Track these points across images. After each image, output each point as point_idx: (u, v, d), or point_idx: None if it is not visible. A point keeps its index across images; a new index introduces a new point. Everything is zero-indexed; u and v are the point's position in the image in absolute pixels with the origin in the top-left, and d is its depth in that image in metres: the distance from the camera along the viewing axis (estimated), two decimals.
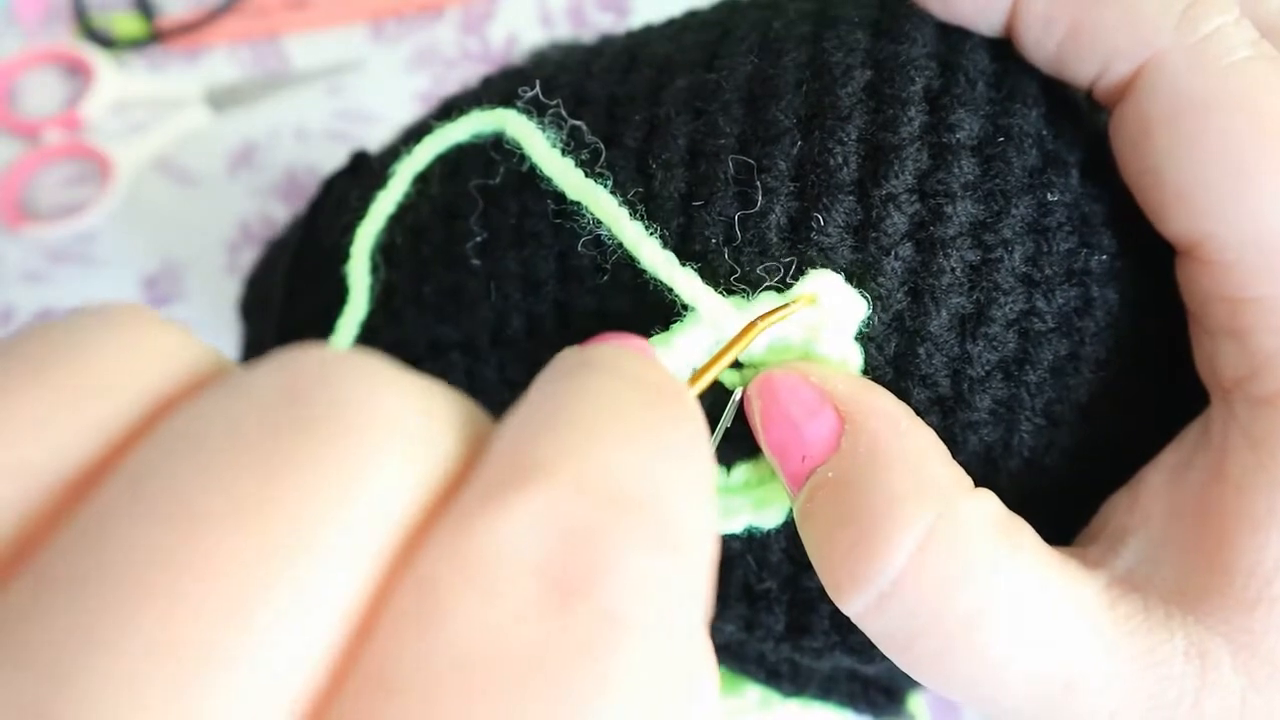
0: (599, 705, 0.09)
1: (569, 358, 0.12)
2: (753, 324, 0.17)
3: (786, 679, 0.26)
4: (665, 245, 0.19)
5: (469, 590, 0.09)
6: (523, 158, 0.20)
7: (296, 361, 0.10)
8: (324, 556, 0.09)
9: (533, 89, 0.23)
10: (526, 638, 0.09)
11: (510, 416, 0.11)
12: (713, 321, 0.18)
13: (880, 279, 0.18)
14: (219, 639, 0.09)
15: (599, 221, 0.19)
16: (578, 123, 0.20)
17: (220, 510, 0.09)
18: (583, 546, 0.09)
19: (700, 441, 0.11)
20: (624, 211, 0.18)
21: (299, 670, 0.09)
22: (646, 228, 0.18)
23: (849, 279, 0.18)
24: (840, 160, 0.18)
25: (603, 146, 0.20)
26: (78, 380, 0.10)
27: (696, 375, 0.16)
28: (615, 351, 0.12)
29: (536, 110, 0.21)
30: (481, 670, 0.09)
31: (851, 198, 0.18)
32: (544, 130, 0.20)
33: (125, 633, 0.08)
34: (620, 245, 0.19)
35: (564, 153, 0.20)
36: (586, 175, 0.19)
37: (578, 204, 0.19)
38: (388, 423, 0.10)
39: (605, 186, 0.19)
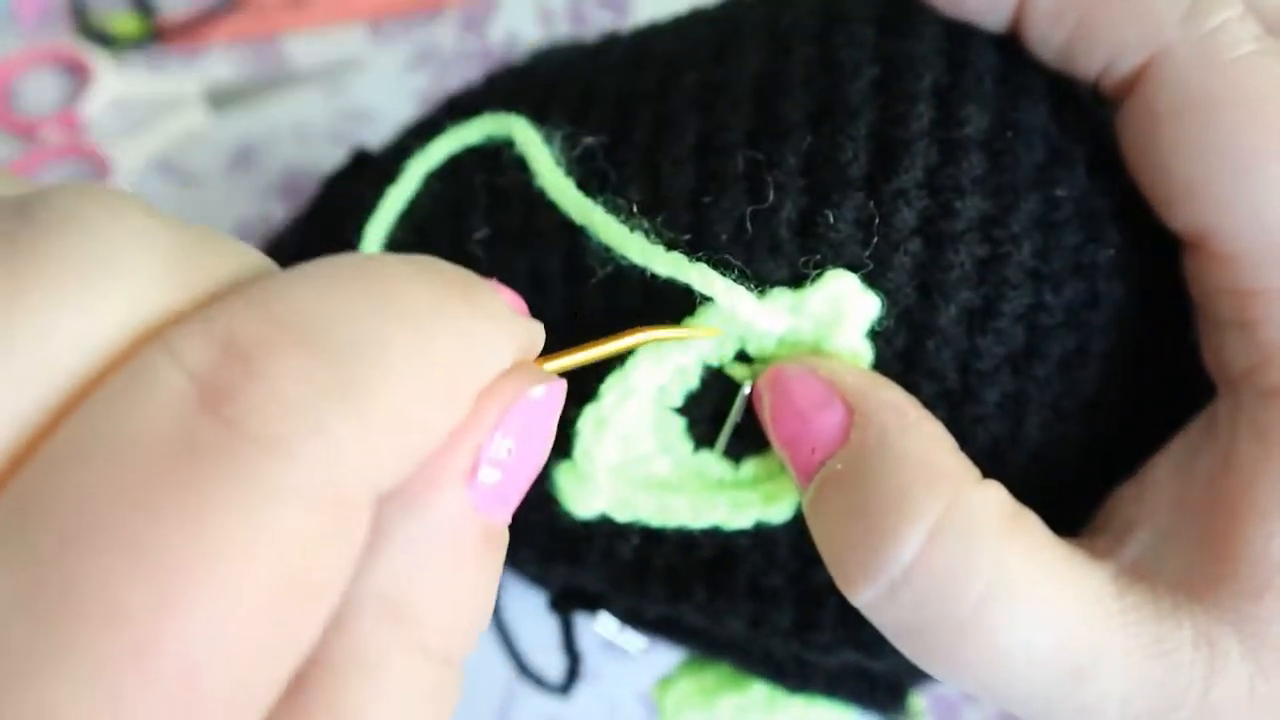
0: (201, 510, 0.10)
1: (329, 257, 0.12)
2: (635, 331, 0.18)
3: (792, 676, 0.26)
4: (675, 241, 0.19)
5: (134, 391, 0.10)
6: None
7: (45, 190, 0.11)
8: (22, 350, 0.10)
9: (540, 91, 0.23)
10: (161, 431, 0.10)
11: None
12: (732, 315, 0.18)
13: (889, 274, 0.18)
14: None
15: (605, 246, 0.19)
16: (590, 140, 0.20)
17: None
18: (245, 365, 0.10)
19: (468, 333, 0.12)
20: (624, 229, 0.18)
21: None
22: (647, 234, 0.18)
23: (860, 274, 0.18)
24: (850, 156, 0.18)
25: (610, 170, 0.20)
26: None
27: (555, 356, 0.16)
28: (371, 254, 0.13)
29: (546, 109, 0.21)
30: (106, 450, 0.10)
31: (861, 193, 0.18)
32: (549, 144, 0.20)
33: None
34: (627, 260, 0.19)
35: (569, 168, 0.20)
36: (588, 194, 0.19)
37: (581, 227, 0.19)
38: (99, 246, 0.11)
39: (603, 201, 0.19)
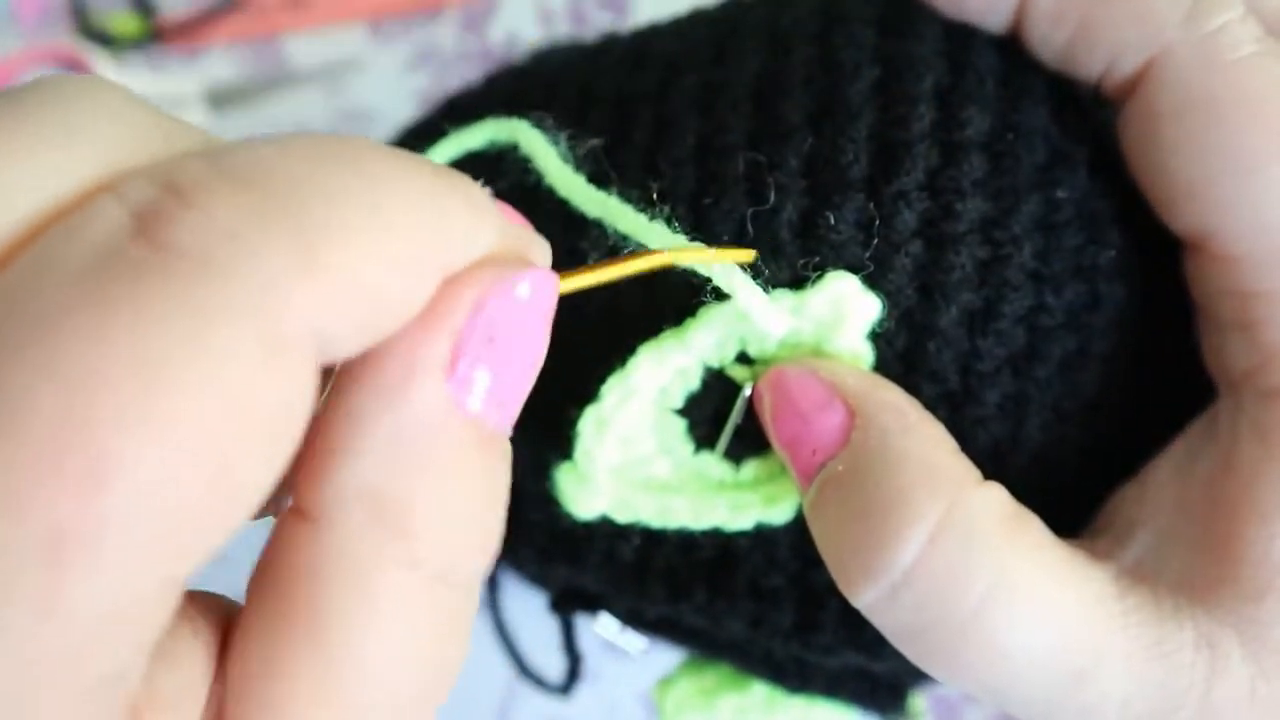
0: (126, 319, 0.10)
1: None
2: (657, 252, 0.17)
3: (792, 676, 0.26)
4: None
5: (75, 227, 0.10)
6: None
7: (46, 75, 0.12)
8: None
9: (540, 92, 0.23)
10: (94, 250, 0.10)
11: None
12: (750, 313, 0.18)
13: (890, 275, 0.18)
14: None
15: (623, 236, 0.18)
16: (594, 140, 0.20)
17: None
18: (182, 200, 0.10)
19: (433, 211, 0.12)
20: (644, 218, 0.18)
21: None
22: (668, 223, 0.18)
23: (860, 276, 0.18)
24: (851, 157, 0.18)
25: (610, 171, 0.20)
26: None
27: (569, 275, 0.15)
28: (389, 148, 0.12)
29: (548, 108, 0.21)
30: (48, 278, 0.10)
31: (862, 195, 0.18)
32: (556, 143, 0.20)
33: None
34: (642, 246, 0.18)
35: (577, 165, 0.20)
36: (599, 187, 0.19)
37: (597, 221, 0.19)
38: (64, 109, 0.11)
39: (616, 193, 0.19)
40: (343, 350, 0.11)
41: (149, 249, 0.10)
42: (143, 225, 0.10)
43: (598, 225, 0.19)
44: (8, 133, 0.11)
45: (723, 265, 0.17)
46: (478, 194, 0.13)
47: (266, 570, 0.12)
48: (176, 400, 0.10)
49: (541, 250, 0.14)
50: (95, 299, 0.10)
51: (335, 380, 0.12)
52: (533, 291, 0.13)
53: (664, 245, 0.18)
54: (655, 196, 0.19)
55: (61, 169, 0.11)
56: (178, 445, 0.10)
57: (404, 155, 0.12)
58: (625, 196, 0.19)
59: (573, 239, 0.20)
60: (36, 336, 0.09)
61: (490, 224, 0.13)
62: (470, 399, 0.12)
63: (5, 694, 0.09)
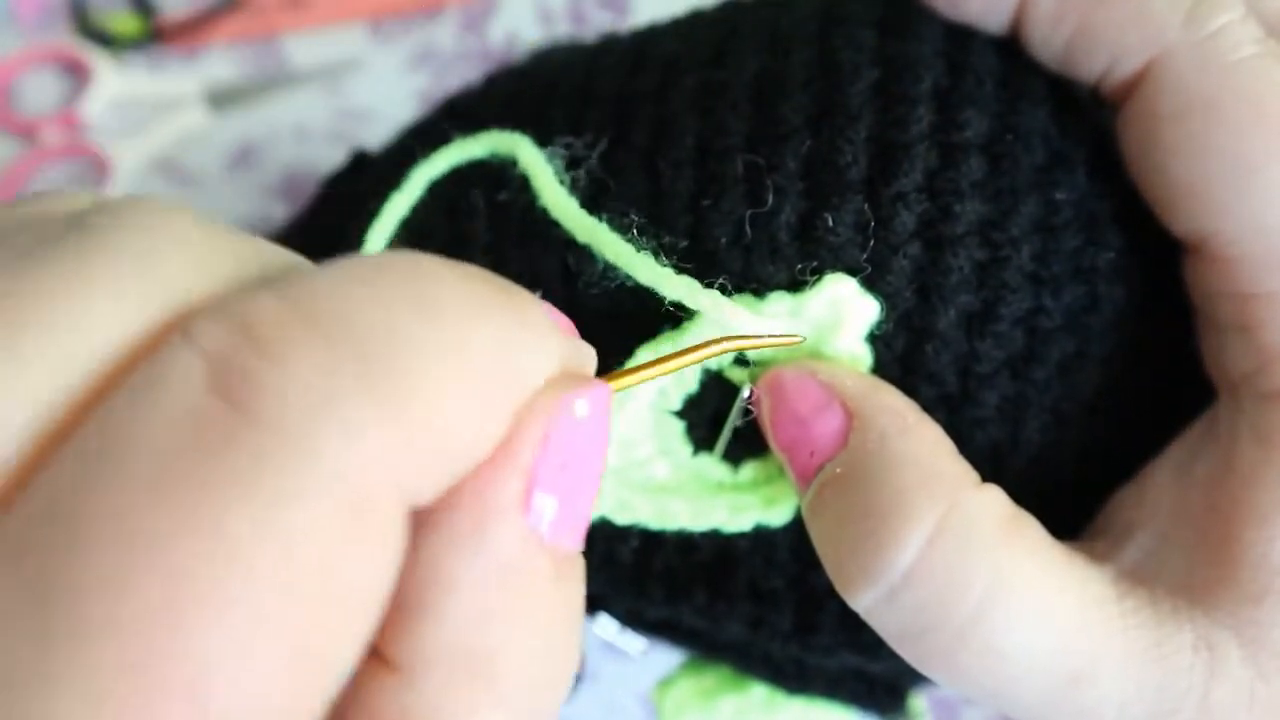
0: (222, 506, 0.09)
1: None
2: (718, 341, 0.17)
3: (792, 678, 0.26)
4: (675, 247, 0.19)
5: (150, 380, 0.10)
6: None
7: (110, 198, 0.12)
8: (34, 344, 0.10)
9: (539, 92, 0.23)
10: (178, 425, 0.09)
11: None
12: (738, 334, 0.18)
13: (889, 277, 0.18)
14: None
15: (609, 265, 0.18)
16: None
17: None
18: (261, 351, 0.10)
19: (511, 344, 0.11)
20: (631, 249, 0.18)
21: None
22: (656, 255, 0.18)
23: (859, 278, 0.18)
24: (850, 159, 0.18)
25: (608, 174, 0.20)
26: None
27: (624, 373, 0.15)
28: (418, 254, 0.12)
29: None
30: (131, 452, 0.09)
31: (860, 197, 0.18)
32: (552, 160, 0.20)
33: None
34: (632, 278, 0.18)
35: (571, 189, 0.20)
36: (591, 212, 0.19)
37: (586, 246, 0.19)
38: (136, 243, 0.11)
39: (608, 220, 0.19)
40: (423, 499, 0.11)
41: (230, 413, 0.09)
42: (220, 384, 0.10)
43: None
44: (79, 263, 0.10)
45: (712, 296, 0.18)
46: (540, 315, 0.12)
47: (347, 714, 0.11)
48: (258, 590, 0.09)
49: (590, 357, 0.14)
50: (177, 474, 0.09)
51: (413, 528, 0.12)
52: (592, 408, 0.13)
53: (652, 279, 0.18)
54: (648, 206, 0.19)
55: (134, 302, 0.10)
56: (272, 643, 0.09)
57: (474, 280, 0.12)
58: (618, 223, 0.19)
59: (574, 255, 0.20)
60: (114, 518, 0.09)
61: (554, 346, 0.12)
62: (546, 529, 0.12)
63: None
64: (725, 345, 0.17)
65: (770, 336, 0.18)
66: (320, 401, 0.10)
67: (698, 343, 0.17)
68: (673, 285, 0.17)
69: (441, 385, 0.10)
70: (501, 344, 0.11)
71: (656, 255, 0.18)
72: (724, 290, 0.18)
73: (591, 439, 0.13)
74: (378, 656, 0.11)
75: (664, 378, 0.19)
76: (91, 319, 0.10)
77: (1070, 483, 0.20)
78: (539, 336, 0.12)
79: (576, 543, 0.13)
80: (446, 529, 0.11)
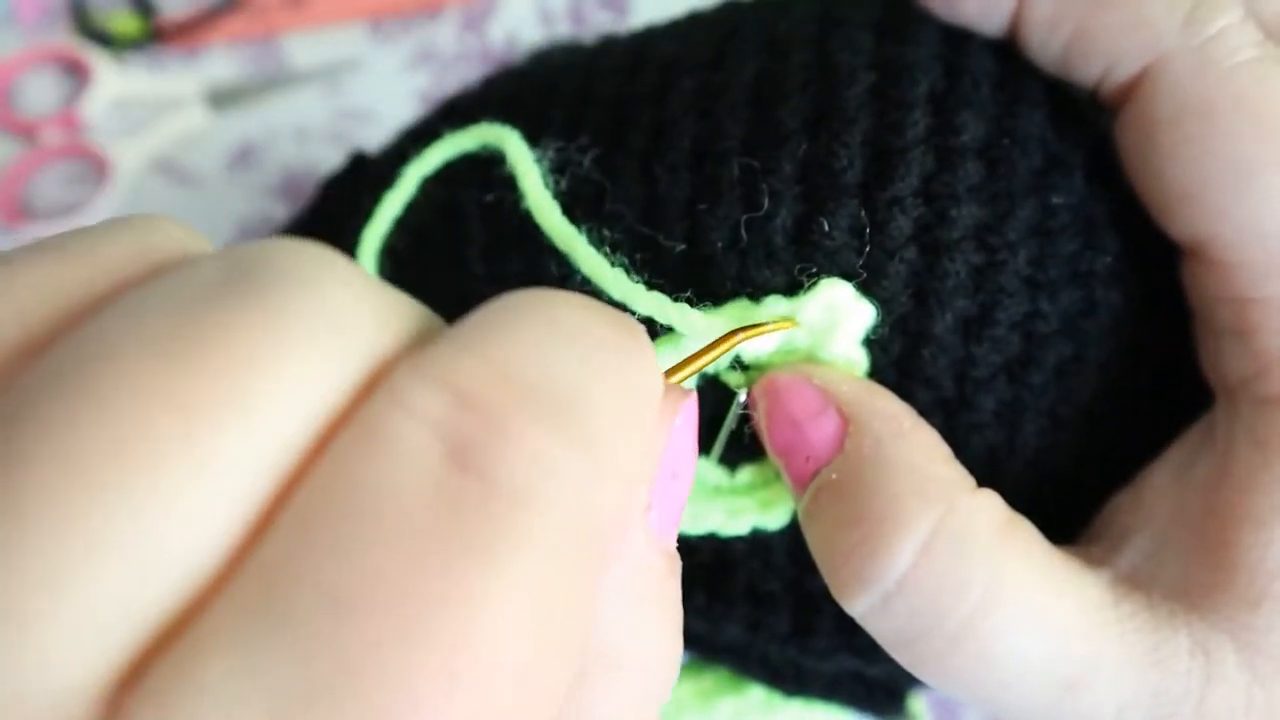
0: (474, 567, 0.09)
1: (513, 292, 0.12)
2: (730, 336, 0.17)
3: (790, 680, 0.26)
4: (672, 251, 0.19)
5: (379, 449, 0.10)
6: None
7: (242, 246, 0.11)
8: (255, 413, 0.10)
9: (537, 94, 0.23)
10: (421, 492, 0.10)
11: (454, 326, 0.12)
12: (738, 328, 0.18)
13: (885, 282, 0.18)
14: (141, 476, 0.09)
15: (586, 278, 0.19)
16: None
17: (152, 360, 0.09)
18: (486, 419, 0.10)
19: (640, 367, 0.12)
20: (605, 264, 0.18)
21: (223, 516, 0.09)
22: (627, 271, 0.18)
23: (854, 282, 0.18)
24: (845, 163, 0.18)
25: (605, 177, 0.20)
26: (62, 257, 0.11)
27: (675, 373, 0.16)
28: (557, 291, 0.12)
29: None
30: (373, 518, 0.09)
31: (856, 201, 0.18)
32: (541, 162, 0.20)
33: (29, 459, 0.09)
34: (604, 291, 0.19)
35: (556, 192, 0.20)
36: (575, 222, 0.19)
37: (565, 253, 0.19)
38: (321, 295, 0.11)
39: (588, 231, 0.19)
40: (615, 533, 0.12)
41: (472, 483, 0.10)
42: (456, 454, 0.10)
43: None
44: (267, 329, 0.10)
45: (681, 310, 0.18)
46: (646, 337, 0.13)
47: None
48: (517, 647, 0.09)
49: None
50: (438, 541, 0.09)
51: None
52: (686, 418, 0.14)
53: (623, 295, 0.18)
54: (644, 209, 0.19)
55: (336, 365, 0.10)
56: (519, 693, 0.09)
57: (603, 314, 0.12)
58: (598, 236, 0.19)
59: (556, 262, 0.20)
60: (387, 586, 0.09)
61: (659, 367, 0.13)
62: (658, 530, 0.13)
63: None
64: (741, 336, 0.17)
65: (771, 324, 0.18)
66: (548, 465, 0.10)
67: (708, 342, 0.17)
68: (643, 302, 0.18)
69: (623, 431, 0.11)
70: (645, 374, 0.12)
71: (629, 273, 0.18)
72: (720, 296, 0.18)
73: (690, 445, 0.14)
74: None
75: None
76: (301, 386, 0.10)
77: (1067, 487, 0.20)
78: (653, 358, 0.13)
79: (674, 538, 0.14)
80: None
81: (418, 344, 0.11)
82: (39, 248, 0.11)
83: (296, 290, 0.10)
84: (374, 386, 0.10)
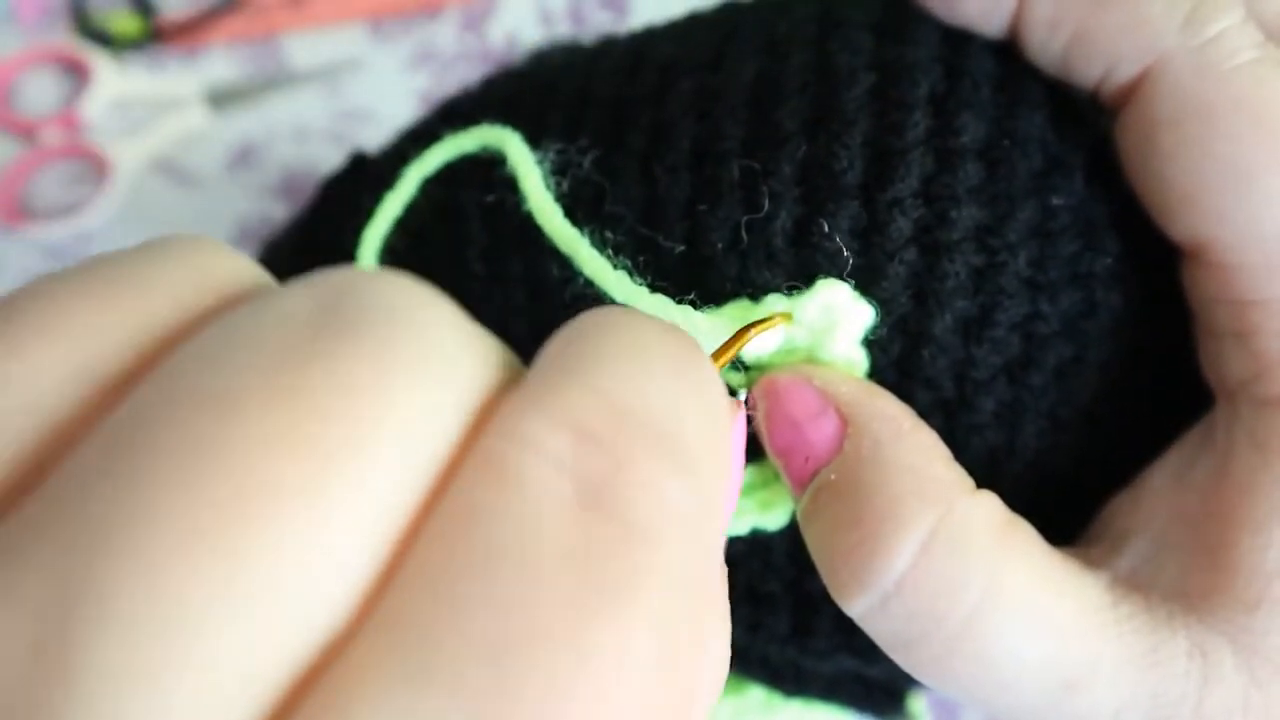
0: (619, 608, 0.09)
1: (587, 315, 0.12)
2: (741, 334, 0.17)
3: (789, 680, 0.26)
4: (672, 252, 0.19)
5: (509, 490, 0.10)
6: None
7: (332, 274, 0.11)
8: (376, 455, 0.09)
9: (536, 95, 0.23)
10: (559, 536, 0.09)
11: (540, 355, 0.11)
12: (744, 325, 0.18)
13: (884, 283, 0.18)
14: (254, 524, 0.09)
15: (588, 281, 0.19)
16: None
17: (257, 397, 0.09)
18: (610, 456, 0.10)
19: (715, 383, 0.12)
20: (608, 266, 0.18)
21: (354, 561, 0.09)
22: (630, 274, 0.18)
23: (853, 283, 0.18)
24: (845, 165, 0.18)
25: (605, 179, 0.20)
26: (123, 289, 0.10)
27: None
28: (629, 310, 0.12)
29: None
30: (518, 564, 0.09)
31: (856, 202, 0.18)
32: (542, 164, 0.20)
33: (155, 516, 0.09)
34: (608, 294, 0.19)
35: (558, 194, 0.20)
36: (587, 219, 0.19)
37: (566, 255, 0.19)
38: (425, 331, 0.10)
39: (590, 233, 0.19)
40: None
41: (604, 524, 0.10)
42: (587, 495, 0.10)
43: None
44: (388, 362, 0.10)
45: (685, 313, 0.18)
46: (705, 353, 0.13)
47: None
48: (650, 688, 0.09)
49: None
50: (581, 584, 0.09)
51: None
52: (738, 428, 0.14)
53: (626, 298, 0.18)
54: (644, 211, 0.19)
55: (451, 401, 0.10)
56: None
57: (680, 335, 0.12)
58: (600, 238, 0.19)
59: (558, 264, 0.20)
60: (543, 633, 0.09)
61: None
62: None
63: None
64: (751, 334, 0.17)
65: (775, 316, 0.18)
66: (669, 500, 0.10)
67: (720, 343, 0.17)
68: (647, 305, 0.18)
69: (715, 456, 0.11)
70: (718, 389, 0.12)
71: (631, 275, 0.18)
72: (720, 297, 0.18)
73: (739, 453, 0.14)
74: None
75: None
76: (416, 425, 0.10)
77: (1067, 488, 0.20)
78: (715, 371, 0.13)
79: (722, 542, 0.14)
80: None
81: (510, 378, 0.11)
82: (86, 277, 0.11)
83: (398, 326, 0.10)
84: (484, 423, 0.10)
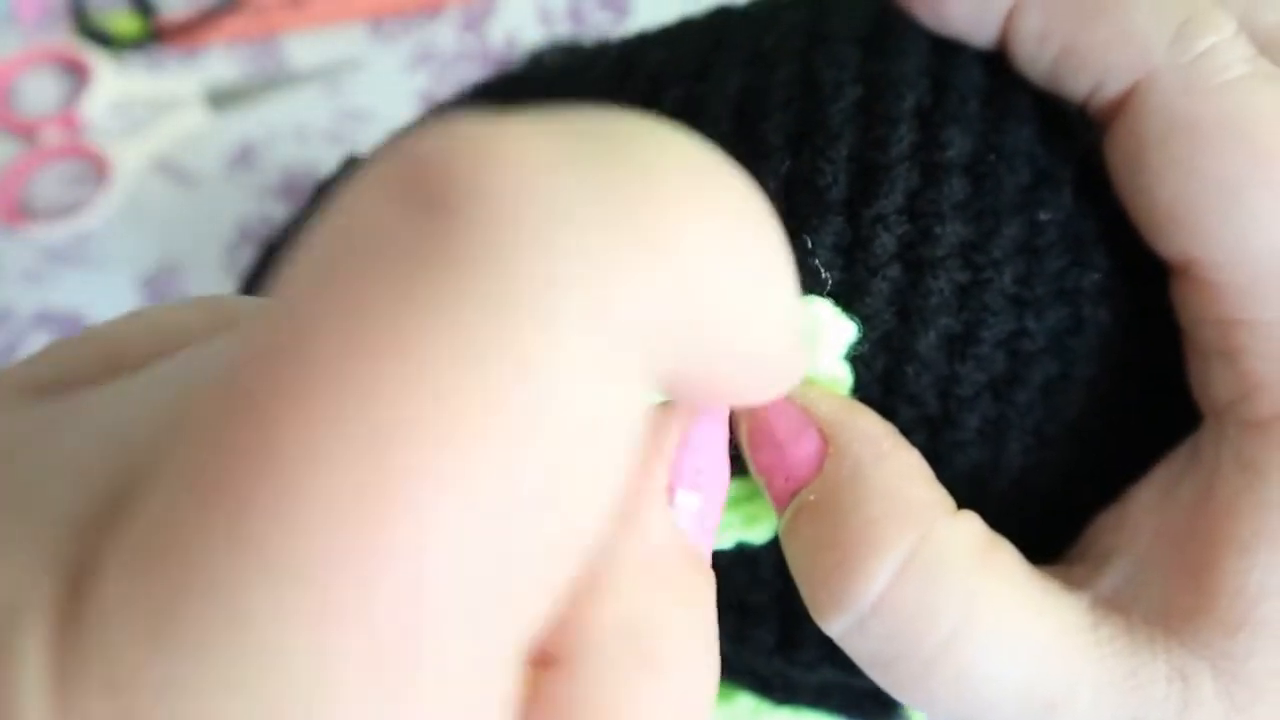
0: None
1: None
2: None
3: (778, 689, 0.26)
4: None
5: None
6: None
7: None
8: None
9: (528, 102, 0.23)
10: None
11: None
12: None
13: (868, 299, 0.18)
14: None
15: None
16: None
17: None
18: None
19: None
20: None
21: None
22: None
23: (836, 299, 0.18)
24: (829, 180, 0.18)
25: None
26: None
27: None
28: None
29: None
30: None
31: (840, 218, 0.18)
32: None
33: None
34: None
35: None
36: None
37: None
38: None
39: None
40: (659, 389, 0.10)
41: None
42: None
43: None
44: None
45: None
46: None
47: None
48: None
49: None
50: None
51: None
52: (711, 419, 0.13)
53: None
54: None
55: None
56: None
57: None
58: None
59: None
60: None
61: None
62: (687, 527, 0.12)
63: None
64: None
65: None
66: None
67: None
68: None
69: (704, 236, 0.09)
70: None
71: None
72: None
73: (716, 451, 0.13)
74: (531, 660, 0.11)
75: None
76: None
77: (1053, 505, 0.20)
78: None
79: (708, 552, 0.13)
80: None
81: None
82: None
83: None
84: None
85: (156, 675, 0.07)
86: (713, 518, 0.13)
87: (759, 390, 0.11)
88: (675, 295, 0.09)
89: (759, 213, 0.10)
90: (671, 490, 0.12)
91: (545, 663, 0.11)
